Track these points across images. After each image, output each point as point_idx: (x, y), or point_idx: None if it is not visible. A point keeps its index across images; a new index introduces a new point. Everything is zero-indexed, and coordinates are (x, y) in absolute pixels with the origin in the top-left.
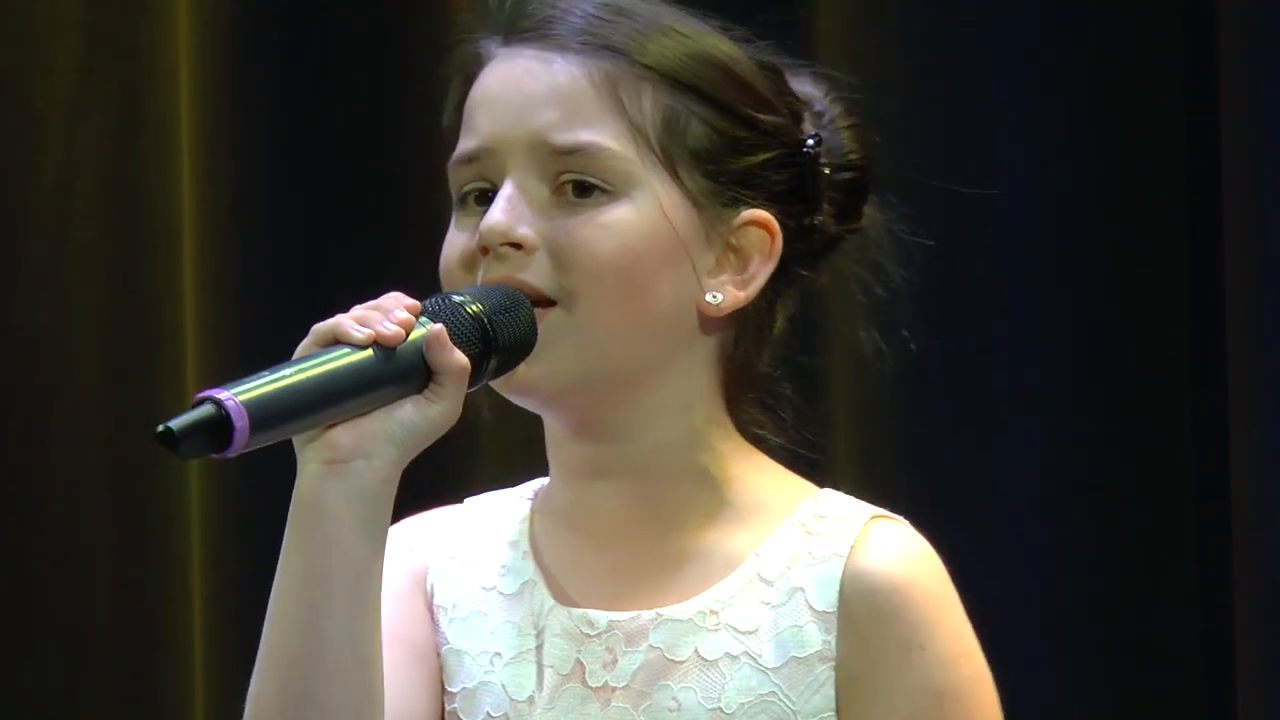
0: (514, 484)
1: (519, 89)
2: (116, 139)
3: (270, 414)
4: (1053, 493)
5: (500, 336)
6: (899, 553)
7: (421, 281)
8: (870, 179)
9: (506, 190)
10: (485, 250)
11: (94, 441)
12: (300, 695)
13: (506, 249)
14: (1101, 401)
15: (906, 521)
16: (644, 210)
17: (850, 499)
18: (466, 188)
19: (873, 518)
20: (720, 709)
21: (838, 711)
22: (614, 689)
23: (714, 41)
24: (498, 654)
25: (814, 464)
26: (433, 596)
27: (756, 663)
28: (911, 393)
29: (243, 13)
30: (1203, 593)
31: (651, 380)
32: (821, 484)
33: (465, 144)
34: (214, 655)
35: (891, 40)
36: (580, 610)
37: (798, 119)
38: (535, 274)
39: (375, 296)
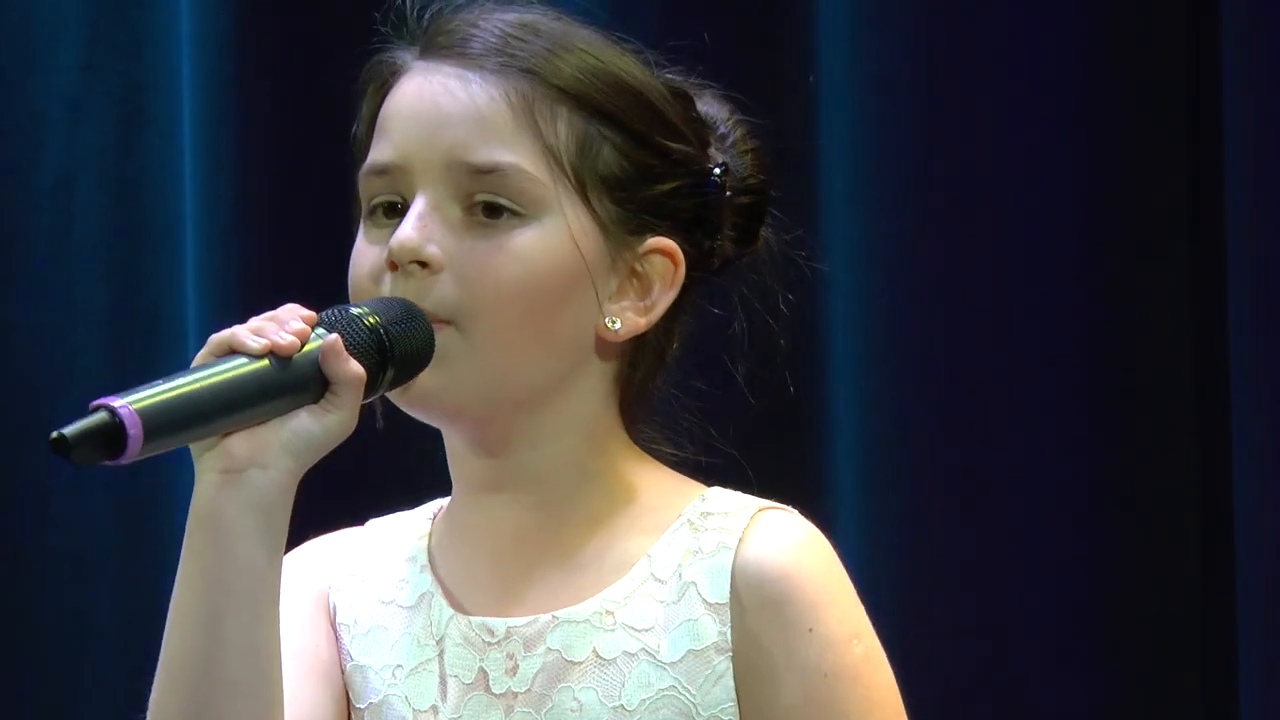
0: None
1: (436, 106)
2: (118, 137)
3: (164, 422)
4: (1056, 492)
5: (396, 348)
6: (785, 540)
7: None
8: (768, 202)
9: (418, 207)
10: (394, 266)
11: None
12: (200, 705)
13: (414, 266)
14: (1105, 401)
15: (795, 511)
16: (552, 236)
17: (738, 494)
18: (376, 199)
19: (760, 510)
20: (622, 706)
21: (738, 702)
22: (516, 694)
23: (626, 66)
24: (399, 666)
25: (814, 456)
26: (335, 615)
27: (654, 658)
28: (915, 392)
29: (244, 10)
30: (1206, 590)
31: (548, 400)
32: (710, 483)
33: (378, 155)
34: None
35: (894, 41)
36: (479, 618)
37: (704, 145)
38: (437, 295)
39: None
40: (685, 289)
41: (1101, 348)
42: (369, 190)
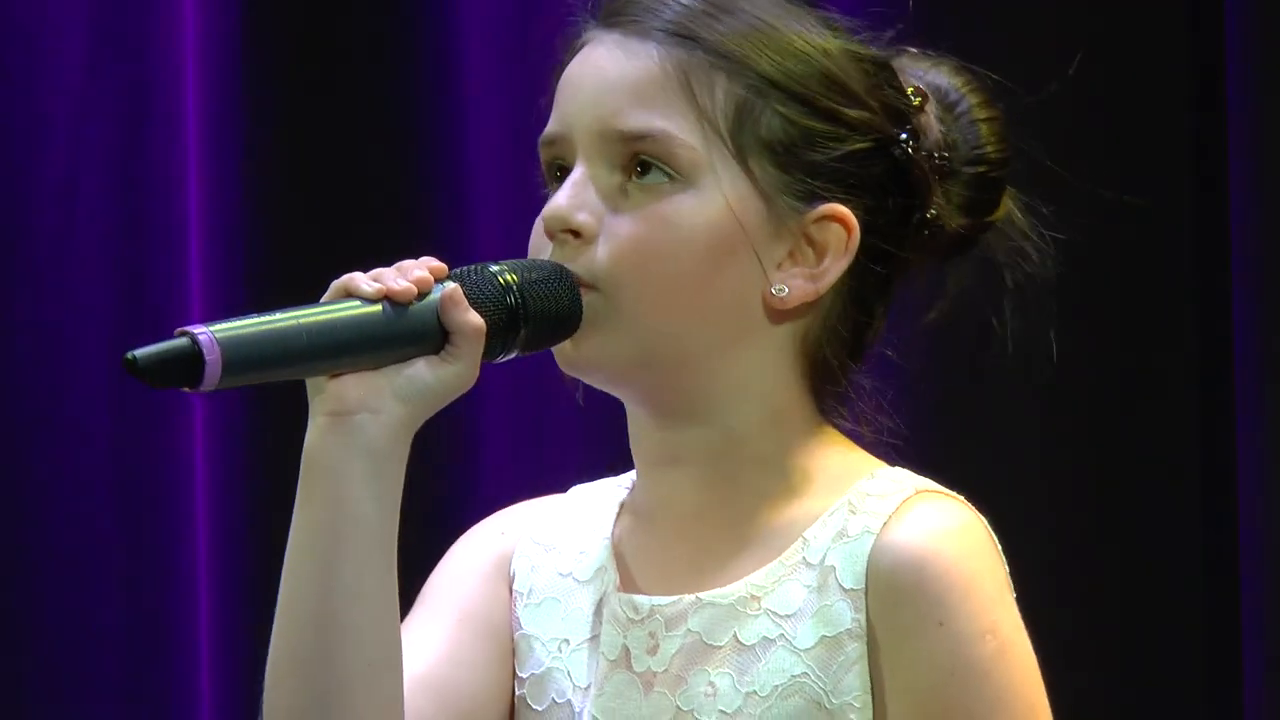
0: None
1: (594, 75)
2: (122, 137)
3: (247, 355)
4: (1058, 490)
5: (530, 306)
6: (929, 527)
7: None
8: (1004, 173)
9: (575, 175)
10: (551, 235)
11: (100, 440)
12: (312, 649)
13: (566, 235)
14: (1107, 398)
15: (959, 497)
16: (706, 203)
17: (908, 475)
18: (553, 167)
19: (917, 492)
20: (755, 692)
21: (873, 694)
22: (655, 674)
23: (799, 30)
24: (566, 640)
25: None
26: (513, 581)
27: (790, 644)
28: (918, 389)
29: (249, 10)
30: (1209, 589)
31: (716, 365)
32: (895, 464)
33: (548, 127)
34: (220, 654)
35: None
36: (628, 596)
37: (895, 114)
38: (585, 261)
39: None
40: (876, 260)
41: (1104, 344)
42: (545, 158)
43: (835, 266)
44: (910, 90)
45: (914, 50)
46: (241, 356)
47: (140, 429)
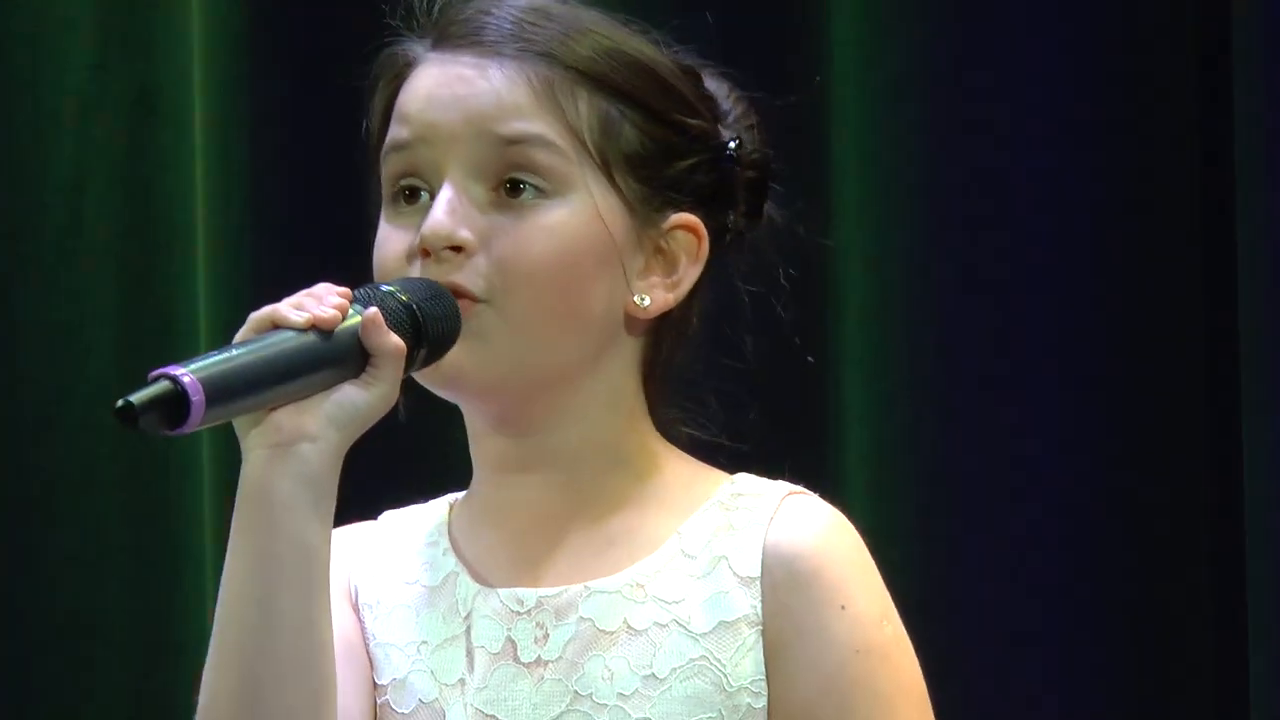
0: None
1: (457, 86)
2: (129, 137)
3: (224, 391)
4: (1066, 497)
5: (429, 325)
6: (816, 521)
7: None
8: (771, 177)
9: (447, 192)
10: (426, 252)
11: (107, 440)
12: (253, 682)
13: (447, 252)
14: (1116, 405)
15: (818, 496)
16: (580, 213)
17: (766, 480)
18: (401, 183)
19: (790, 493)
20: (653, 675)
21: (767, 679)
22: (546, 662)
23: (639, 45)
24: (424, 642)
25: (824, 460)
26: (357, 597)
27: (685, 628)
28: (926, 398)
29: (255, 10)
30: (1217, 592)
31: (578, 378)
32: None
33: (397, 132)
34: None
35: (904, 45)
36: (509, 590)
37: (718, 121)
38: (470, 275)
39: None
40: (707, 265)
41: (1112, 352)
42: (390, 169)
43: (689, 274)
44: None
45: (672, 46)
46: (219, 393)
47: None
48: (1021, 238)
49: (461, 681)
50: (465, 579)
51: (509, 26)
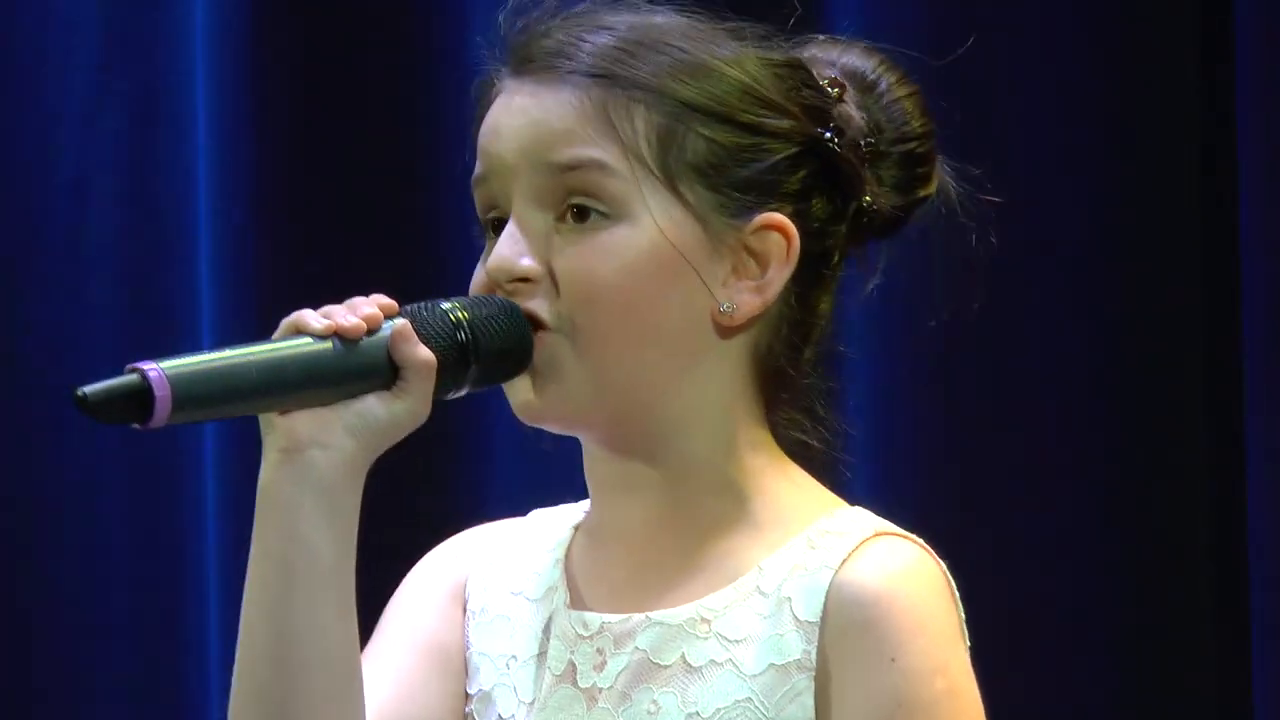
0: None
1: (516, 119)
2: (133, 138)
3: (197, 392)
4: (1069, 493)
5: (481, 342)
6: (887, 566)
7: (438, 279)
8: (930, 146)
9: (509, 225)
10: (496, 286)
11: (111, 440)
12: (271, 682)
13: (515, 284)
14: (1119, 401)
15: (919, 540)
16: (642, 231)
17: (868, 516)
18: (488, 215)
19: (877, 534)
20: (698, 713)
21: None
22: (600, 689)
23: (708, 48)
24: (514, 657)
25: (831, 461)
26: (467, 602)
27: (738, 670)
28: (928, 396)
29: (259, 11)
30: (1219, 591)
31: (671, 393)
32: (853, 501)
33: (476, 169)
34: (230, 654)
35: (906, 42)
36: (578, 613)
37: (816, 113)
38: (540, 303)
39: (394, 294)
40: (819, 259)
41: (1115, 348)
42: (478, 204)
43: (779, 275)
44: (827, 83)
45: (821, 38)
46: (191, 393)
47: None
48: (1022, 236)
49: (534, 702)
50: (561, 594)
51: (569, 50)
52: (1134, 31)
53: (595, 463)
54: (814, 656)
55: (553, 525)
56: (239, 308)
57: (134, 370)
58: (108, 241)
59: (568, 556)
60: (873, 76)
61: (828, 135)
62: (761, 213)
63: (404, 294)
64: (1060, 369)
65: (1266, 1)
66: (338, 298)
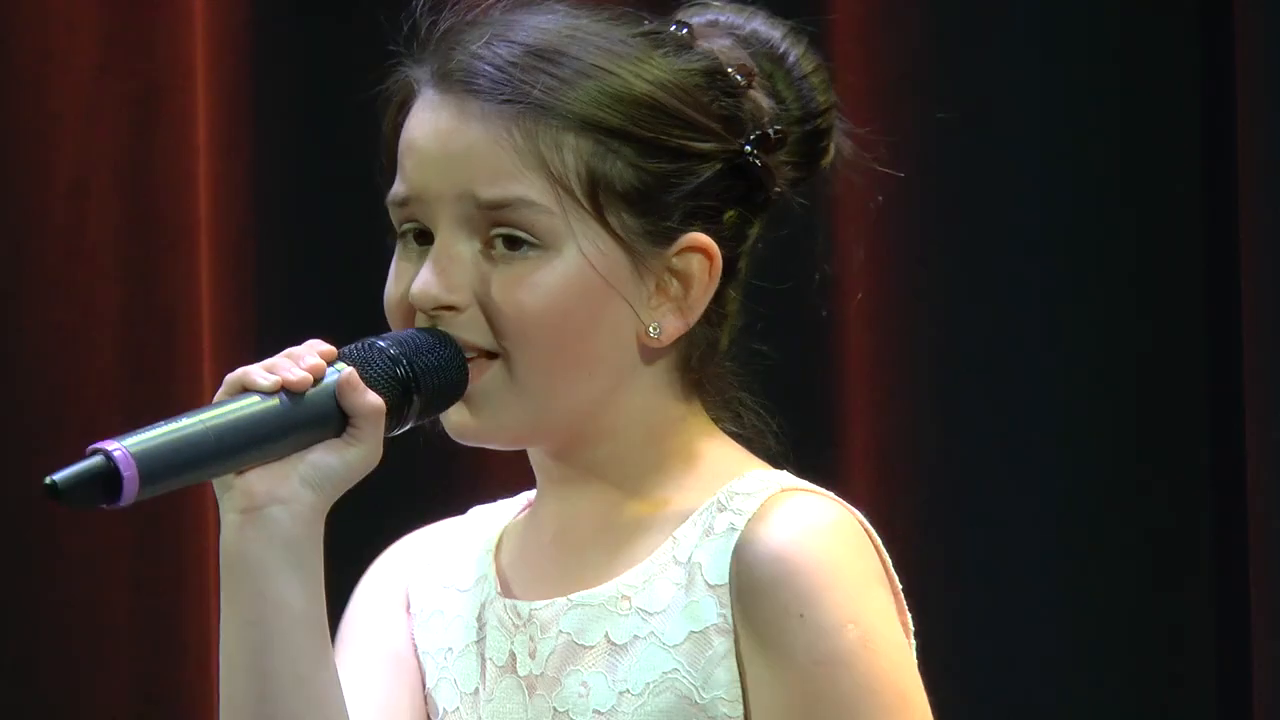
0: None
1: (444, 145)
2: (133, 138)
3: (162, 465)
4: (1068, 493)
5: (422, 380)
6: (791, 523)
7: None
8: (834, 119)
9: (436, 252)
10: (420, 311)
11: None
12: None
13: (439, 312)
14: (1118, 400)
15: (830, 494)
16: (570, 263)
17: (778, 475)
18: (403, 227)
19: (782, 490)
20: (628, 690)
21: (742, 689)
22: (535, 676)
23: (641, 72)
24: (449, 649)
25: (825, 461)
26: (410, 605)
27: (660, 641)
28: (927, 395)
29: (258, 11)
30: (1219, 592)
31: (603, 408)
32: (779, 466)
33: (397, 189)
34: None
35: (909, 41)
36: (510, 600)
37: (736, 123)
38: (470, 330)
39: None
40: (734, 264)
41: (1114, 349)
42: (396, 217)
43: (704, 295)
44: (735, 69)
45: (719, 3)
46: (157, 467)
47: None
48: (1023, 235)
49: (477, 691)
50: (490, 583)
51: (500, 74)
52: (1134, 30)
53: (541, 461)
54: (730, 618)
55: (490, 519)
56: (239, 307)
57: (97, 451)
58: (108, 241)
59: (498, 546)
60: (781, 49)
61: (749, 149)
62: (685, 234)
63: None
64: (1060, 369)
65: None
66: (336, 298)
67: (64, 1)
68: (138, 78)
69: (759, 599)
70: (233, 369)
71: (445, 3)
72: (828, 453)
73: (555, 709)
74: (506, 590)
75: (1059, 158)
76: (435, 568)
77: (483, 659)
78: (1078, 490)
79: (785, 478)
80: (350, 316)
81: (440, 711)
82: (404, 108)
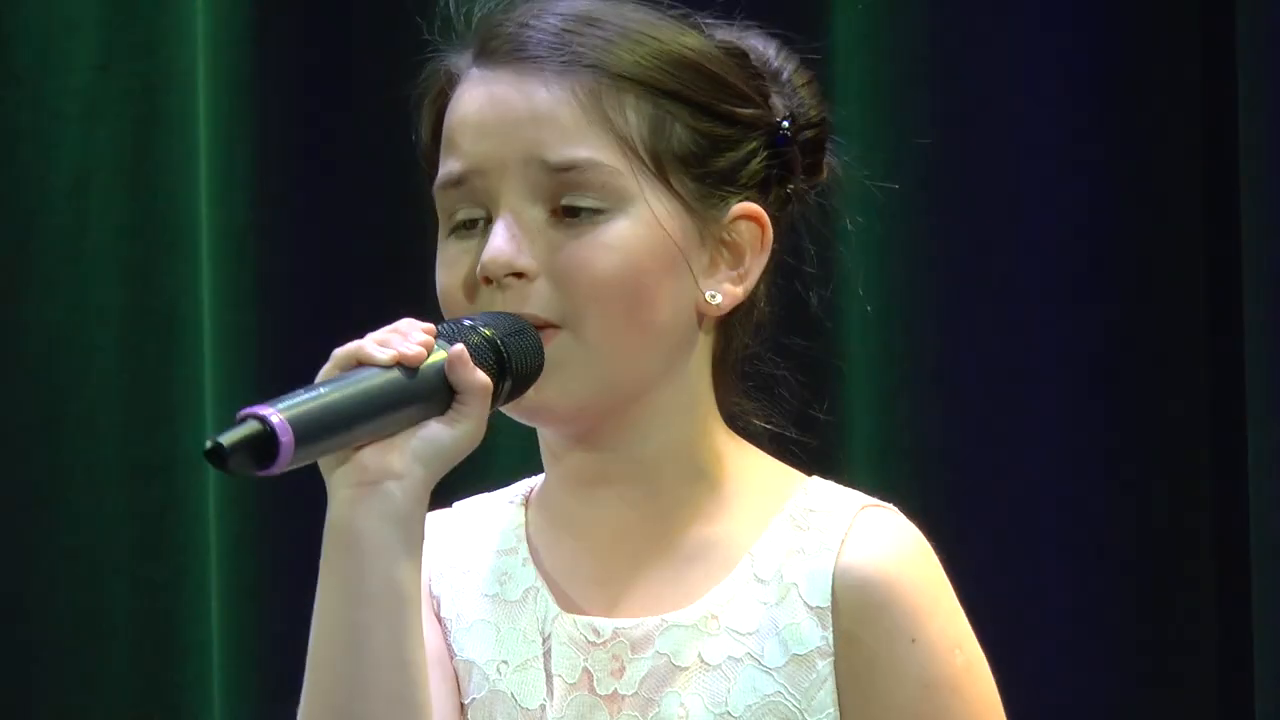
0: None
1: (503, 111)
2: (134, 137)
3: (313, 430)
4: (1070, 492)
5: (514, 360)
6: (889, 544)
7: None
8: (829, 131)
9: (505, 219)
10: (488, 280)
11: (111, 440)
12: (348, 715)
13: (510, 279)
14: (1119, 400)
15: (895, 509)
16: (640, 223)
17: (839, 488)
18: (458, 215)
19: (863, 508)
20: (728, 712)
21: (840, 709)
22: (623, 696)
23: (682, 39)
24: (504, 662)
25: (827, 454)
26: (439, 608)
27: (759, 663)
28: (929, 394)
29: (259, 10)
30: (1220, 591)
31: (657, 386)
32: (810, 472)
33: (450, 167)
34: (232, 654)
35: (911, 41)
36: (586, 618)
37: (768, 99)
38: (538, 301)
39: (396, 293)
40: (778, 226)
41: (1116, 348)
42: (446, 204)
43: (757, 264)
44: (753, 59)
45: (709, 19)
46: (308, 433)
47: (151, 429)
48: (1025, 233)
49: (543, 707)
50: (545, 597)
51: (551, 38)
52: (1135, 28)
53: (561, 456)
54: (832, 641)
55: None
56: (239, 308)
57: (250, 417)
58: (108, 241)
59: (536, 556)
60: (776, 64)
61: (785, 124)
62: (737, 203)
63: (405, 293)
64: (1060, 368)
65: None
66: (337, 297)
67: (64, 1)
68: (138, 77)
69: (869, 622)
70: (233, 369)
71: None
72: (829, 456)
73: None
74: (570, 605)
75: (1061, 157)
76: (464, 572)
77: (548, 674)
78: (1079, 490)
79: (852, 492)
80: (350, 316)
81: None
82: (442, 96)
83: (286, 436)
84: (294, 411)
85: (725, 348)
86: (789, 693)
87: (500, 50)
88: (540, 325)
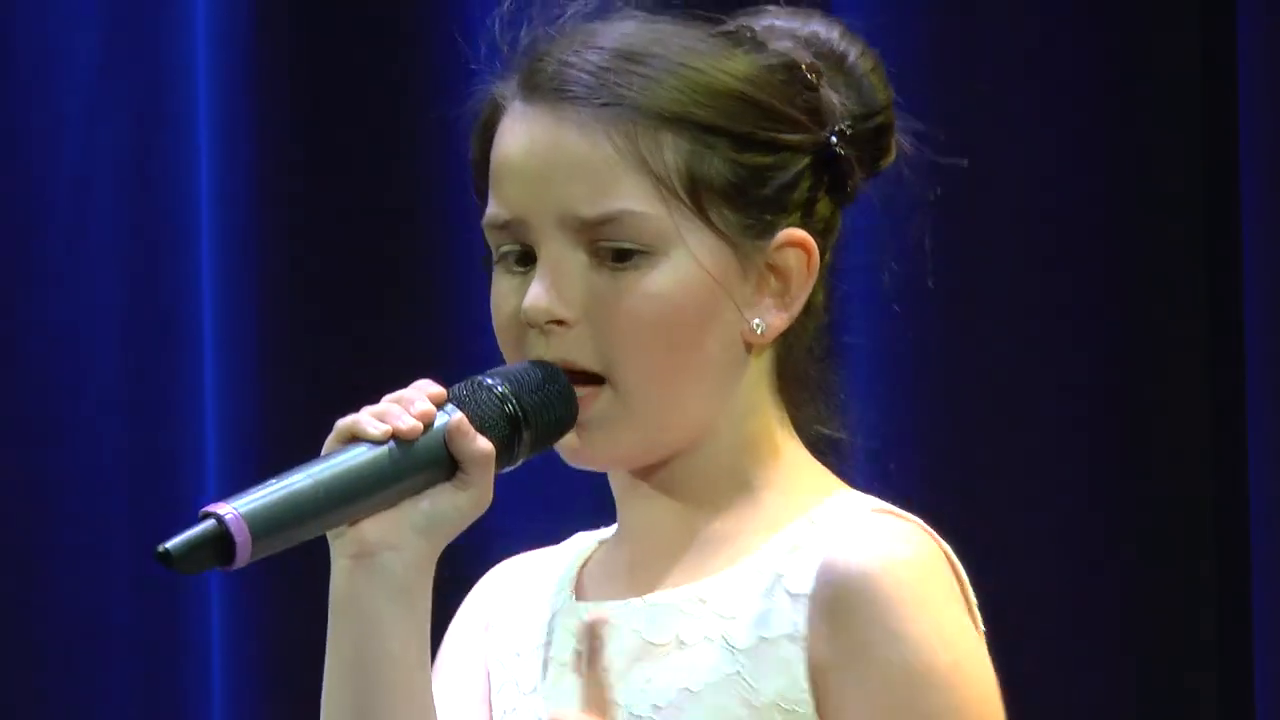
0: None
1: (541, 160)
2: (135, 137)
3: (274, 524)
4: (1070, 493)
5: (531, 415)
6: (882, 543)
7: (439, 276)
8: (892, 115)
9: (546, 265)
10: (532, 324)
11: (112, 440)
12: None
13: (551, 326)
14: (1120, 401)
15: (918, 520)
16: (679, 266)
17: (869, 498)
18: (503, 250)
19: (873, 511)
20: (688, 689)
21: (819, 700)
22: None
23: (725, 66)
24: (516, 654)
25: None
26: (490, 625)
27: (727, 643)
28: (930, 396)
29: (260, 9)
30: (1220, 590)
31: (707, 414)
32: (853, 483)
33: (495, 211)
34: (232, 656)
35: (910, 40)
36: (583, 603)
37: (817, 116)
38: (579, 349)
39: (396, 293)
40: (830, 239)
41: (1116, 349)
42: (494, 240)
43: (803, 290)
44: (805, 69)
45: (771, 7)
46: (269, 527)
47: (152, 429)
48: (1025, 237)
49: (535, 690)
50: (566, 591)
51: (589, 77)
52: (1135, 27)
53: (622, 476)
54: (803, 627)
55: (585, 541)
56: (240, 307)
57: (208, 515)
58: (109, 240)
59: (587, 558)
60: (840, 50)
61: (833, 140)
62: (782, 229)
63: (404, 292)
64: (1060, 368)
65: (1267, 2)
66: (337, 298)
67: (64, 1)
68: (138, 77)
69: (848, 611)
70: (233, 369)
71: (522, 20)
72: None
73: (615, 702)
74: (580, 594)
75: (1060, 157)
76: (521, 588)
77: (546, 660)
78: (1080, 492)
79: (875, 501)
80: (351, 316)
81: (500, 711)
82: (490, 124)
83: (242, 536)
84: (254, 507)
85: (785, 359)
86: (747, 674)
87: (543, 86)
88: (582, 378)
